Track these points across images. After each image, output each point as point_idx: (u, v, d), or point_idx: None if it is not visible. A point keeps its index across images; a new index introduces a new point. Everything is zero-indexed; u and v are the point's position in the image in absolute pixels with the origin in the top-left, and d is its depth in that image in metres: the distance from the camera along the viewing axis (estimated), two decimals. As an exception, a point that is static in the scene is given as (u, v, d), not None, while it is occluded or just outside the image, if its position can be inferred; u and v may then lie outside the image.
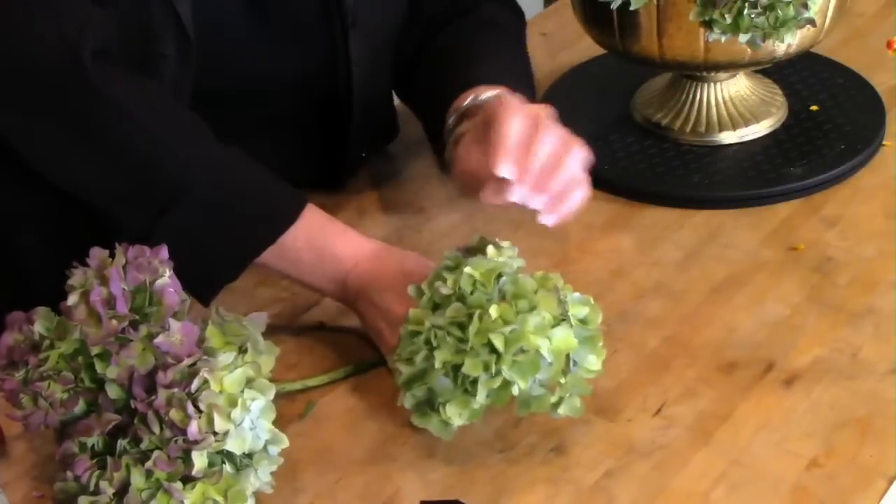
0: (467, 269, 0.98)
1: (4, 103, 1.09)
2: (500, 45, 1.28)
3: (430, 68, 1.28)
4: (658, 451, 1.01)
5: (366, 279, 1.08)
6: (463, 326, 0.96)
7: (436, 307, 0.98)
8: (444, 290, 0.98)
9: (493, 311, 0.95)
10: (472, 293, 0.97)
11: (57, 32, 1.06)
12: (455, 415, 0.97)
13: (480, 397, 0.95)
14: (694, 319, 1.14)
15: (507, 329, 0.95)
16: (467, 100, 1.17)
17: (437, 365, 0.95)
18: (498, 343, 0.95)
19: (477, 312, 0.96)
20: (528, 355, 0.95)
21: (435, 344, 0.96)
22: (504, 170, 1.04)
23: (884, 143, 1.35)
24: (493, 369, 0.95)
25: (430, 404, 0.98)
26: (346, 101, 1.25)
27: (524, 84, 1.23)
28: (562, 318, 0.97)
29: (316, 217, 1.11)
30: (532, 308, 0.96)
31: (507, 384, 0.95)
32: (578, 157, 1.09)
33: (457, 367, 0.96)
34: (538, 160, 1.06)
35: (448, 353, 0.96)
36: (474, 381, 0.95)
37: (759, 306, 1.15)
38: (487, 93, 1.16)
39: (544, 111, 1.09)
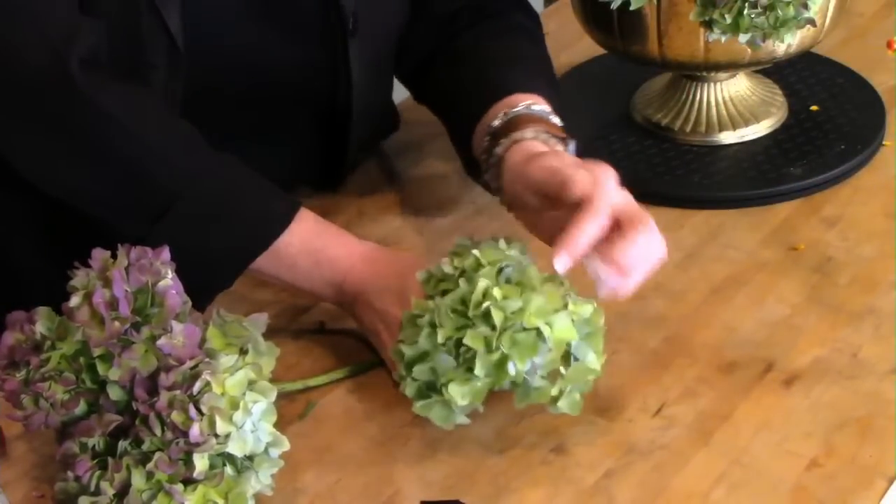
0: (475, 252, 0.99)
1: None
2: (530, 49, 1.26)
3: (452, 70, 1.26)
4: (658, 451, 1.01)
5: (363, 281, 1.08)
6: (466, 303, 0.96)
7: (440, 292, 0.99)
8: (448, 269, 0.99)
9: (497, 291, 0.96)
10: (476, 271, 0.98)
11: (43, 41, 1.05)
12: (458, 394, 0.96)
13: (479, 372, 0.95)
14: (694, 319, 1.14)
15: (509, 306, 0.95)
16: (498, 116, 1.14)
17: (440, 340, 0.96)
18: (497, 318, 0.95)
19: (480, 285, 0.96)
20: (528, 335, 0.96)
21: (438, 322, 0.96)
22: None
23: (884, 143, 1.35)
24: (493, 344, 0.95)
25: (431, 388, 0.98)
26: (346, 105, 1.25)
27: (553, 88, 1.22)
28: (564, 308, 0.97)
29: (310, 221, 1.11)
30: (535, 294, 0.97)
31: (504, 361, 0.96)
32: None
33: (458, 345, 0.96)
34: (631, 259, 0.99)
35: (450, 329, 0.96)
36: (475, 357, 0.95)
37: (759, 306, 1.15)
38: (518, 106, 1.14)
39: (635, 210, 1.01)
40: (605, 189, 1.00)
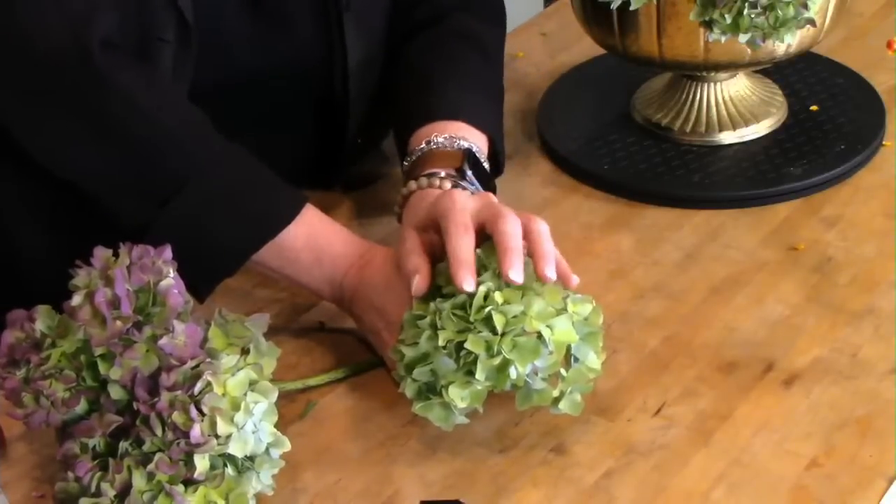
0: (477, 252, 0.99)
1: (8, 92, 1.09)
2: (468, 64, 1.28)
3: (398, 84, 1.29)
4: (658, 451, 1.01)
5: (363, 280, 1.09)
6: (467, 307, 0.97)
7: (441, 295, 0.99)
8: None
9: (498, 295, 0.96)
10: (479, 274, 0.98)
11: (64, 20, 1.06)
12: (457, 397, 0.97)
13: (480, 376, 0.96)
14: (694, 319, 1.14)
15: (510, 310, 0.95)
16: (421, 143, 1.18)
17: (441, 342, 0.96)
18: (498, 322, 0.95)
19: (481, 290, 0.96)
20: (529, 339, 0.96)
21: (440, 325, 0.97)
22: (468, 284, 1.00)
23: (884, 143, 1.35)
24: (494, 349, 0.95)
25: (431, 390, 0.98)
26: (343, 90, 1.26)
27: (487, 105, 1.25)
28: (564, 310, 0.97)
29: (315, 217, 1.11)
30: (536, 296, 0.97)
31: (506, 365, 0.96)
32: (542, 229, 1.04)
33: (459, 347, 0.96)
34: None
35: (451, 332, 0.96)
36: (476, 361, 0.95)
37: (759, 306, 1.15)
38: (441, 136, 1.17)
39: (490, 209, 1.04)
40: (456, 204, 1.03)
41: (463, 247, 1.00)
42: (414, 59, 1.29)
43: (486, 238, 1.02)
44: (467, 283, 0.97)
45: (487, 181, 1.18)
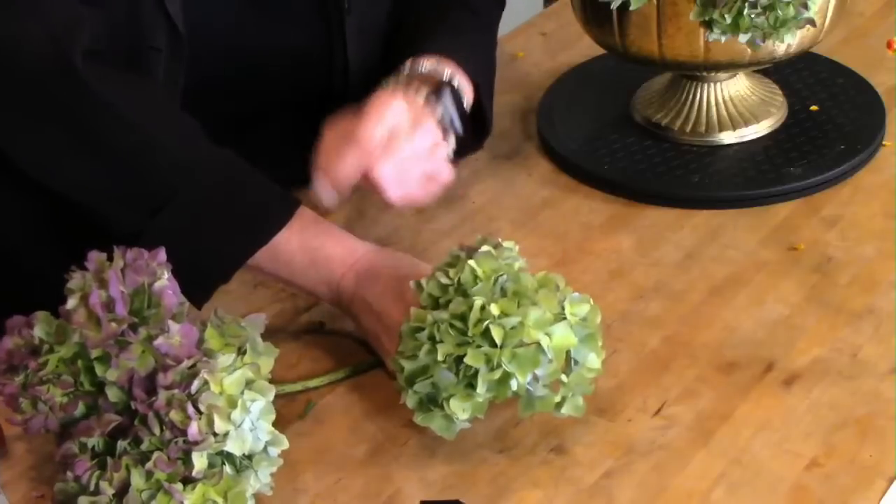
0: (470, 262, 0.99)
1: None
2: (467, 32, 1.28)
3: (392, 41, 1.29)
4: (658, 451, 1.01)
5: (360, 282, 1.08)
6: (465, 319, 0.96)
7: (436, 304, 0.99)
8: (444, 280, 0.99)
9: (494, 308, 0.96)
10: (473, 285, 0.98)
11: (45, 32, 1.06)
12: (459, 409, 0.96)
13: (481, 390, 0.95)
14: (694, 319, 1.14)
15: (508, 322, 0.95)
16: (406, 66, 1.19)
17: (440, 357, 0.95)
18: (497, 335, 0.95)
19: (477, 303, 0.96)
20: (528, 349, 0.95)
21: (438, 338, 0.96)
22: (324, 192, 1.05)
23: (884, 143, 1.35)
24: (494, 362, 0.95)
25: (432, 402, 0.98)
26: (342, 90, 1.26)
27: (480, 64, 1.25)
28: (562, 316, 0.97)
29: (309, 219, 1.11)
30: (533, 305, 0.96)
31: (506, 377, 0.95)
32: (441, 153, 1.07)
33: (459, 360, 0.96)
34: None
35: (450, 346, 0.96)
36: (476, 374, 0.95)
37: (759, 306, 1.15)
38: (428, 62, 1.19)
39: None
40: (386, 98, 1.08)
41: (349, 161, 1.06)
42: (412, 20, 1.29)
43: None
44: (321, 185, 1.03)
45: (466, 122, 1.18)
